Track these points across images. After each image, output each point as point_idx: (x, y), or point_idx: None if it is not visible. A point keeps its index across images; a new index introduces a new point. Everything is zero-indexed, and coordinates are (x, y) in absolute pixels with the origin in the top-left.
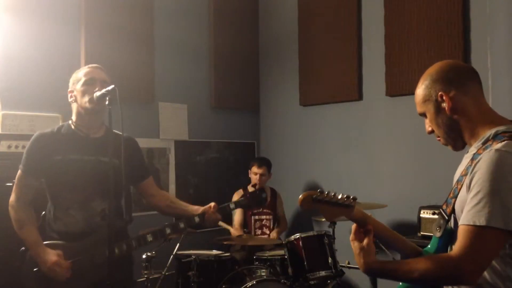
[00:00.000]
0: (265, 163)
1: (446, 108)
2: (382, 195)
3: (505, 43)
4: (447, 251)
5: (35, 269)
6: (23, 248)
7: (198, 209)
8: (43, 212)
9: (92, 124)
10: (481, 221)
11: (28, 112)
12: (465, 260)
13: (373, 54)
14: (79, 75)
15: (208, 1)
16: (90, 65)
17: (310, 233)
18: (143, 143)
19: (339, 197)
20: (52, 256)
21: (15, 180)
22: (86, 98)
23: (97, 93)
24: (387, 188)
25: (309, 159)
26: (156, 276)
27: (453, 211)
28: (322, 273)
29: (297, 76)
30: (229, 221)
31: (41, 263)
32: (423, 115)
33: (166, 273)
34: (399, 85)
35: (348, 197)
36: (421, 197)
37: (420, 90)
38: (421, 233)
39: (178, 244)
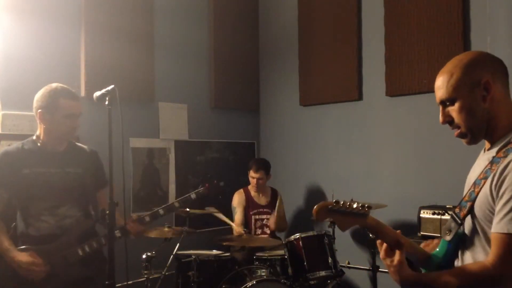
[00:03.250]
0: (263, 167)
1: (487, 98)
2: (382, 195)
3: (505, 43)
4: (456, 255)
5: (9, 274)
6: None
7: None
8: (14, 224)
9: (60, 142)
10: None
11: (28, 112)
12: (501, 269)
13: (373, 54)
14: (55, 103)
15: (208, 1)
16: (66, 95)
17: (310, 233)
18: (143, 143)
19: (354, 206)
20: (25, 257)
21: None
22: (67, 130)
23: (97, 93)
24: (387, 188)
25: (309, 159)
26: (156, 276)
27: (467, 214)
28: (322, 273)
29: (297, 76)
30: (231, 219)
31: (17, 267)
32: (449, 101)
33: (166, 273)
34: (399, 85)
35: (363, 206)
36: (421, 197)
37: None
38: (421, 233)
39: (178, 244)
